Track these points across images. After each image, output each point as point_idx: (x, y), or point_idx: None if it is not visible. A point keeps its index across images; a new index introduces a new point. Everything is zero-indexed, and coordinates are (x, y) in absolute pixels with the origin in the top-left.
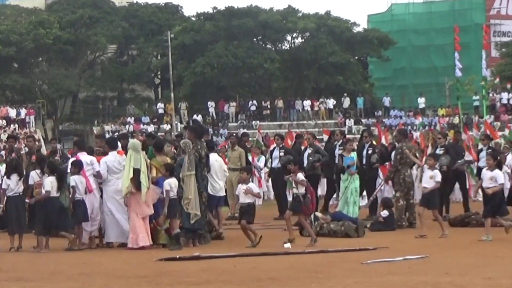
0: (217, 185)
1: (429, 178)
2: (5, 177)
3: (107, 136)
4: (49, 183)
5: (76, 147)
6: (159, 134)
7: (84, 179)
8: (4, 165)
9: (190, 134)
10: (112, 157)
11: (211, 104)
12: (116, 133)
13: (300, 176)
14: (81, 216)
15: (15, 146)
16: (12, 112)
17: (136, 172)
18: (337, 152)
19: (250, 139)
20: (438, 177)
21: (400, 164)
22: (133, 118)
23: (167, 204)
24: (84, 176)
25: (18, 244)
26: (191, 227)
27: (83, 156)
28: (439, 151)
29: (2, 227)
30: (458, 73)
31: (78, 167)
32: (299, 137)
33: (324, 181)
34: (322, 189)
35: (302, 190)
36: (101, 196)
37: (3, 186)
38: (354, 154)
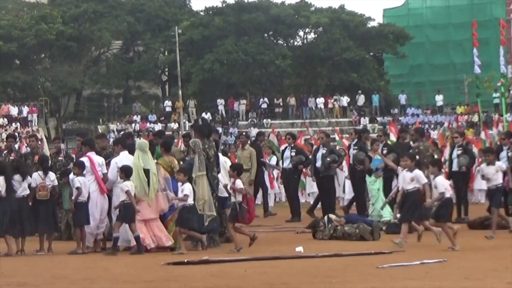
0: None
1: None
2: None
3: (112, 135)
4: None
5: (87, 147)
6: (166, 133)
7: (87, 181)
8: None
9: (196, 134)
10: (124, 158)
11: (220, 102)
12: (121, 132)
13: (239, 183)
14: (83, 218)
15: (14, 146)
16: (14, 110)
17: (146, 172)
18: (352, 151)
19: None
20: (441, 188)
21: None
22: (139, 116)
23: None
24: (97, 177)
25: (20, 247)
26: (204, 230)
27: (94, 156)
28: (456, 151)
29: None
30: (477, 70)
31: (81, 168)
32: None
33: (348, 183)
34: (339, 190)
35: (239, 198)
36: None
37: None
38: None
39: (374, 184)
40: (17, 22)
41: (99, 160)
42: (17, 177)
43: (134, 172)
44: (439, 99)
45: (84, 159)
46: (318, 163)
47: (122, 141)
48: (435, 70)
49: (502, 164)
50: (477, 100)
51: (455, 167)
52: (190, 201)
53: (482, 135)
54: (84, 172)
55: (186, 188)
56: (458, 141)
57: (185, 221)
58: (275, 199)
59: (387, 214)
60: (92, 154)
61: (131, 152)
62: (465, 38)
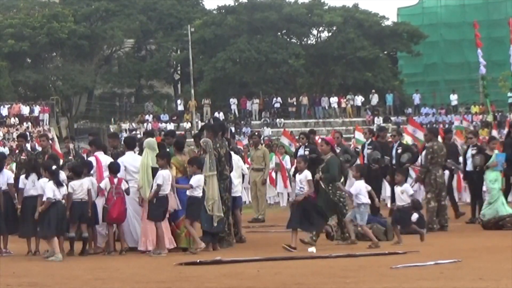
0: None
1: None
2: (23, 176)
3: (124, 134)
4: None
5: (93, 146)
6: (177, 132)
7: (95, 181)
8: (15, 165)
9: (207, 133)
10: (129, 157)
11: (233, 101)
12: (133, 132)
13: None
14: (93, 219)
15: (25, 145)
16: (25, 110)
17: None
18: (366, 151)
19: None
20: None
21: (431, 164)
22: (151, 115)
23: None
24: (98, 177)
25: (35, 248)
26: (213, 230)
27: (102, 156)
28: (471, 151)
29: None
30: (483, 70)
31: (88, 167)
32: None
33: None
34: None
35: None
36: None
37: (20, 185)
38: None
39: (495, 183)
40: (29, 21)
41: (107, 160)
42: (33, 176)
43: (141, 171)
44: (454, 98)
45: (91, 158)
46: None
47: (126, 142)
48: (450, 69)
49: None
50: (486, 100)
51: (470, 167)
52: (199, 193)
53: (494, 133)
54: (92, 171)
55: (195, 179)
56: (472, 141)
57: (195, 214)
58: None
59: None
60: (100, 154)
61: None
62: (481, 37)
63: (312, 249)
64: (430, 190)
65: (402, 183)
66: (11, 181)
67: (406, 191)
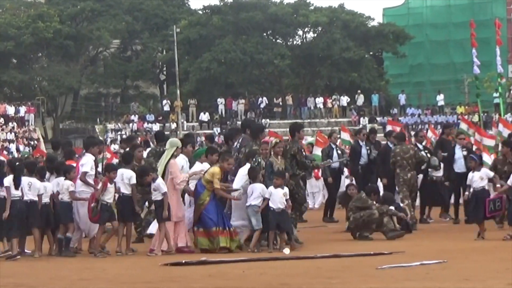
0: None
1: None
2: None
3: (110, 135)
4: None
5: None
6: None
7: (67, 182)
8: None
9: (248, 134)
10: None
11: (220, 101)
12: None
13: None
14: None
15: None
16: (11, 110)
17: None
18: (364, 152)
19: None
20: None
21: (398, 167)
22: (137, 116)
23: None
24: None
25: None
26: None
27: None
28: (462, 151)
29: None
30: (477, 70)
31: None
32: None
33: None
34: None
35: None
36: None
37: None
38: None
39: None
40: (14, 21)
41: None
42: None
43: (160, 169)
44: (440, 99)
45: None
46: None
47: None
48: (435, 70)
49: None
50: (477, 100)
51: (461, 169)
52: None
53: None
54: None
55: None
56: (462, 142)
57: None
58: None
59: None
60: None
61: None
62: (466, 38)
63: (286, 251)
64: (401, 190)
65: (478, 168)
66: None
67: (487, 174)
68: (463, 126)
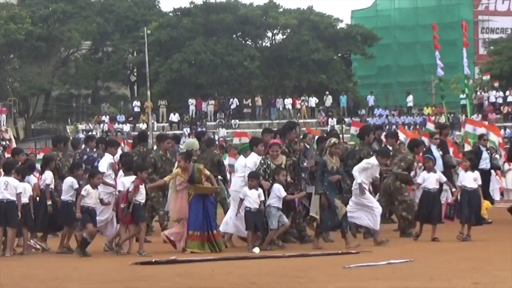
0: None
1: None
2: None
3: (81, 135)
4: None
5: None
6: (133, 133)
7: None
8: None
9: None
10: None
11: (191, 102)
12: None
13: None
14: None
15: None
16: None
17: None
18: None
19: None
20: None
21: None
22: (108, 116)
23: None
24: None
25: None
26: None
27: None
28: (437, 151)
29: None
30: (440, 72)
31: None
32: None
33: None
34: None
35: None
36: None
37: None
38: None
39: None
40: None
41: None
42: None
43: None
44: (409, 100)
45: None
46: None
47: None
48: (403, 71)
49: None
50: (442, 102)
51: (439, 168)
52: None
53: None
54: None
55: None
56: (435, 142)
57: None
58: None
59: None
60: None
61: None
62: (433, 40)
63: (256, 250)
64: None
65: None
66: (49, 181)
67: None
68: (430, 126)
